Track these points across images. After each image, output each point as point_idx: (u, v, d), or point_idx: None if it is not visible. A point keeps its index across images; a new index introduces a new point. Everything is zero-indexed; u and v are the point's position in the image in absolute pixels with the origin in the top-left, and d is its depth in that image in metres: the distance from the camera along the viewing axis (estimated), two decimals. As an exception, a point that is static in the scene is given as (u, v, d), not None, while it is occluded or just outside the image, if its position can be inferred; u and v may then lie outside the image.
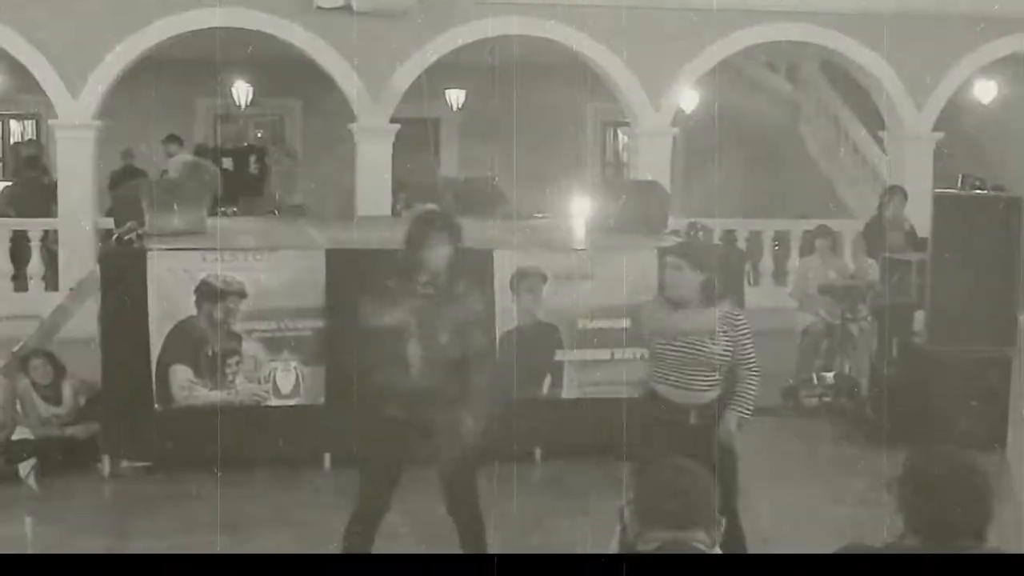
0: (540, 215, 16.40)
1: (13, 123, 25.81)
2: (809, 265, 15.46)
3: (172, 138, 20.99)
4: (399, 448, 7.76)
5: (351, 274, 10.65)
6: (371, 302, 7.83)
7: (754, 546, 7.64)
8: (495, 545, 8.04)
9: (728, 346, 7.79)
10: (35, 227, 18.25)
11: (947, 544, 4.19)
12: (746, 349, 7.89)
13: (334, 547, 7.84)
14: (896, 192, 15.40)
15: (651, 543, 4.43)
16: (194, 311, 10.96)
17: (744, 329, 7.90)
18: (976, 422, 11.87)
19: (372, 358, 7.85)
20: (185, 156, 20.70)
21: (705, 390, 7.81)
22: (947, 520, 4.22)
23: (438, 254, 7.74)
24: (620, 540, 4.69)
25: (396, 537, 8.51)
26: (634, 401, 8.24)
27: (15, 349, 12.30)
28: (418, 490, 8.15)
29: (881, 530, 4.46)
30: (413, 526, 9.17)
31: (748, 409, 7.96)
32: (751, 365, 7.93)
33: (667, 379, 7.83)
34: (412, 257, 7.80)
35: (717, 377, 7.85)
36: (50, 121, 18.43)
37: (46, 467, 11.03)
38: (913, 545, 4.24)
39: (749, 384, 7.93)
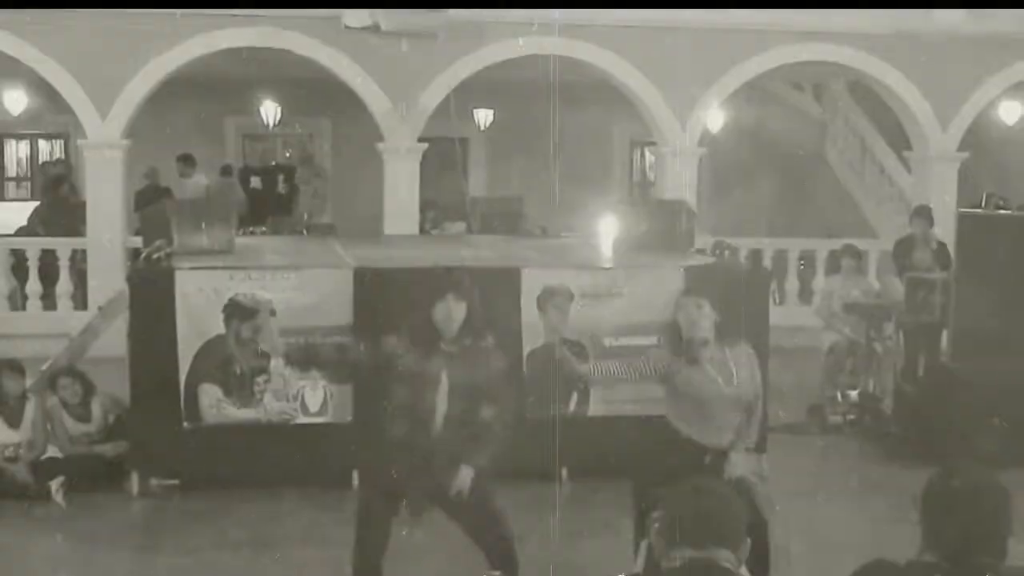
0: (567, 234, 16.44)
1: (42, 143, 25.92)
2: (834, 284, 15.46)
3: (185, 158, 21.03)
4: (402, 474, 7.62)
5: (379, 293, 10.71)
6: (400, 337, 7.77)
7: (778, 562, 7.64)
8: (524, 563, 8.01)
9: (749, 383, 7.76)
10: (64, 246, 18.30)
11: (968, 560, 4.22)
12: (758, 383, 7.87)
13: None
14: (923, 212, 15.40)
15: (676, 561, 4.46)
16: (222, 330, 11.02)
17: (756, 363, 7.87)
18: (999, 439, 11.89)
19: (392, 397, 7.74)
20: (200, 178, 20.83)
21: (725, 429, 7.75)
22: (968, 536, 4.24)
23: (449, 312, 7.60)
24: (647, 557, 4.72)
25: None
26: (649, 431, 8.12)
27: (44, 368, 12.40)
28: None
29: (903, 547, 4.49)
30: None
31: (751, 442, 7.90)
32: (759, 397, 7.88)
33: (688, 418, 7.73)
34: (422, 316, 7.67)
35: (738, 418, 7.77)
36: (79, 141, 18.47)
37: (75, 485, 11.06)
38: (933, 561, 4.26)
39: (756, 417, 7.87)
